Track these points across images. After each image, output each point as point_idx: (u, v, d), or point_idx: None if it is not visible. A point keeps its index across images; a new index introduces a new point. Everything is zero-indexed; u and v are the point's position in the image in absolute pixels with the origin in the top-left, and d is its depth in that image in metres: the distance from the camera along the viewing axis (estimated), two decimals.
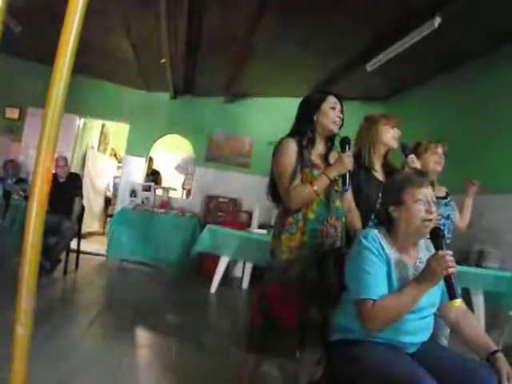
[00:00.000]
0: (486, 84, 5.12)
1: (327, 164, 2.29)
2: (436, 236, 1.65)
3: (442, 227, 2.92)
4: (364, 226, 2.41)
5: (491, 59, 5.05)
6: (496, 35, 4.61)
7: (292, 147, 2.21)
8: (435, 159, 2.98)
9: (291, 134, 2.30)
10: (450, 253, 1.55)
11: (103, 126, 9.11)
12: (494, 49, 4.91)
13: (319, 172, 2.20)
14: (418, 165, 2.64)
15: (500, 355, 1.62)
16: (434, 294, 1.69)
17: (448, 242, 3.04)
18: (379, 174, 2.63)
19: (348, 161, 2.15)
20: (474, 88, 5.32)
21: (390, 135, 2.60)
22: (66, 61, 1.41)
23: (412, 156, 2.66)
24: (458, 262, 4.25)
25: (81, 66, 6.38)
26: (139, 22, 5.00)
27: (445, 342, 2.87)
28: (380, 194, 2.39)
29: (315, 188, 2.13)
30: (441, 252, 1.56)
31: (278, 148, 2.27)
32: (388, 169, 2.65)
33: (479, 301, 4.46)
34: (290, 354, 2.29)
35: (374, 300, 1.61)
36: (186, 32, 5.01)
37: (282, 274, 2.19)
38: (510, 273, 4.29)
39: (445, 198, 3.10)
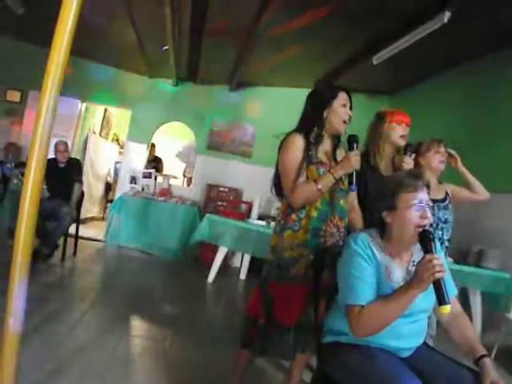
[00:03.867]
0: (494, 81, 5.05)
1: (334, 161, 2.26)
2: (425, 238, 1.58)
3: (440, 231, 2.86)
4: (371, 225, 2.37)
5: (499, 57, 4.97)
6: (505, 34, 4.54)
7: (299, 143, 2.17)
8: (439, 158, 2.90)
9: (298, 129, 2.25)
10: (438, 256, 1.50)
11: (106, 110, 9.06)
12: (503, 47, 4.83)
13: (325, 170, 2.16)
14: (410, 167, 2.54)
15: (486, 360, 1.59)
16: (427, 297, 1.64)
17: (447, 244, 2.99)
18: (386, 173, 2.58)
19: (355, 160, 2.10)
20: (481, 85, 5.25)
21: (396, 133, 2.54)
22: (63, 45, 1.37)
23: (406, 157, 2.55)
24: (457, 262, 4.19)
25: (84, 51, 6.32)
26: (143, 8, 4.93)
27: (430, 340, 2.84)
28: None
29: (319, 186, 2.09)
30: (428, 256, 1.50)
31: (284, 143, 2.22)
32: (395, 171, 2.59)
33: (477, 301, 4.45)
34: (289, 355, 2.27)
35: (362, 306, 1.59)
36: (190, 19, 4.95)
37: (285, 273, 2.17)
38: (508, 274, 4.27)
39: (443, 200, 3.00)
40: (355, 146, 2.16)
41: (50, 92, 1.34)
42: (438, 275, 1.46)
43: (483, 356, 1.60)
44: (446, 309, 1.48)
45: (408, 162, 2.53)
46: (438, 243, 1.65)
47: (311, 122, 2.24)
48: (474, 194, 3.16)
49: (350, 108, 2.27)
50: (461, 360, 1.71)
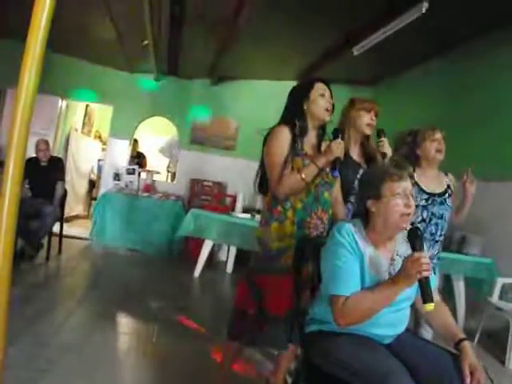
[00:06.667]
0: (474, 69, 5.11)
1: (319, 153, 2.27)
2: (414, 236, 1.60)
3: (433, 226, 2.79)
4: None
5: (479, 44, 5.02)
6: (484, 20, 4.58)
7: (285, 136, 2.19)
8: (436, 147, 2.77)
9: (283, 122, 2.27)
10: (426, 255, 1.53)
11: (87, 107, 8.96)
12: (481, 34, 4.87)
13: (309, 161, 2.18)
14: (388, 150, 2.58)
15: (465, 344, 1.61)
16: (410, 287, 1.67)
17: (440, 239, 2.82)
18: (357, 157, 2.62)
19: (336, 148, 2.15)
20: (462, 74, 5.31)
21: (363, 121, 2.57)
22: (38, 40, 1.35)
23: (382, 139, 2.58)
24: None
25: (63, 48, 6.25)
26: (121, 2, 4.88)
27: (429, 331, 2.86)
28: (357, 182, 2.39)
29: (303, 176, 2.11)
30: (416, 254, 1.52)
31: (270, 136, 2.24)
32: (367, 156, 2.64)
33: (460, 286, 4.52)
34: (282, 345, 2.28)
35: (347, 297, 1.60)
36: (169, 12, 4.91)
37: (274, 264, 2.18)
38: (490, 259, 4.34)
39: (442, 194, 2.80)
40: (339, 137, 2.20)
41: (26, 89, 1.32)
42: (424, 274, 1.49)
43: (463, 339, 1.63)
44: (431, 306, 1.51)
45: (386, 146, 2.58)
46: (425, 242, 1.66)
47: (293, 115, 2.26)
48: (456, 215, 2.98)
49: (331, 97, 2.29)
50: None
